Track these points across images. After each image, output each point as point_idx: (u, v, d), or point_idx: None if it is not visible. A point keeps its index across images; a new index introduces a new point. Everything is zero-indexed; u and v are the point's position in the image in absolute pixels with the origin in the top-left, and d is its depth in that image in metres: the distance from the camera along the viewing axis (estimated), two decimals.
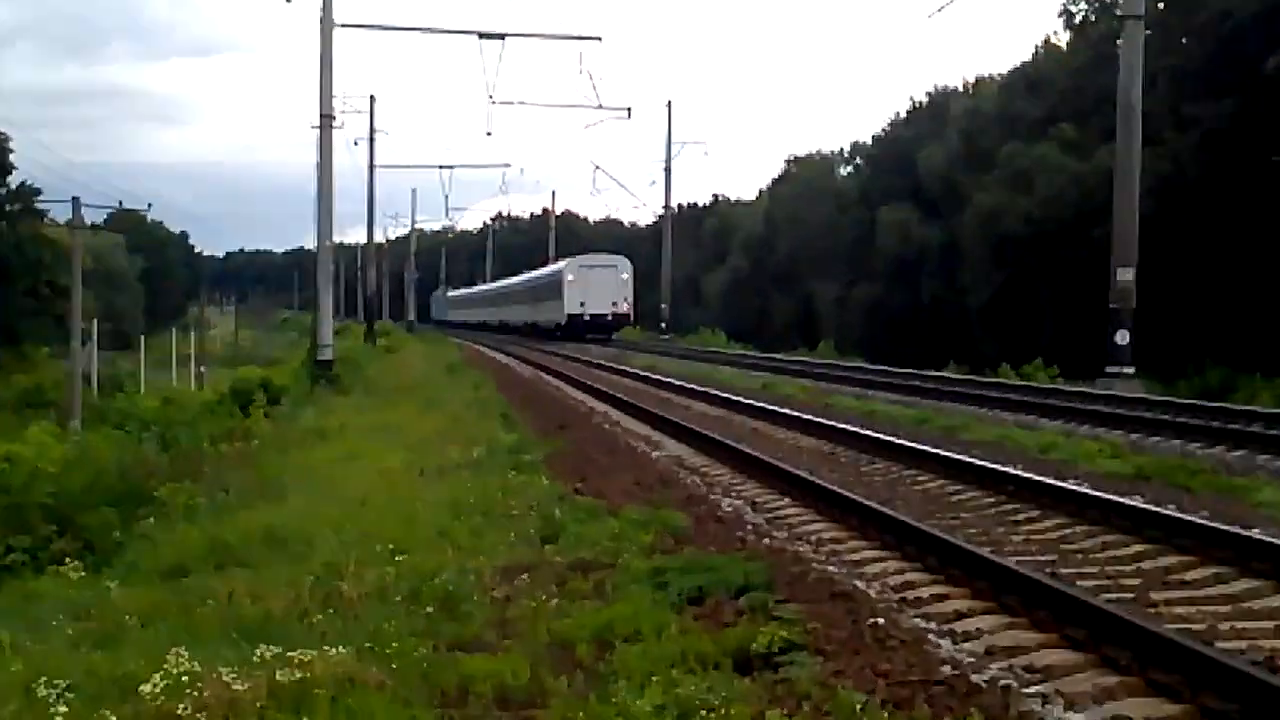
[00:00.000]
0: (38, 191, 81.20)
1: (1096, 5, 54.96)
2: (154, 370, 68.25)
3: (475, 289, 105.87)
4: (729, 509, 13.37)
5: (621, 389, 30.57)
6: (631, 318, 69.81)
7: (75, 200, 47.38)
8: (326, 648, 7.60)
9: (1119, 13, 31.18)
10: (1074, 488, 13.03)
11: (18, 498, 16.15)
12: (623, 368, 40.05)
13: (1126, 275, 29.28)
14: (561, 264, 72.26)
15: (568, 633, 8.29)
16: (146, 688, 6.96)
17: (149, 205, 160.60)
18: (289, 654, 7.43)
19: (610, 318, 66.80)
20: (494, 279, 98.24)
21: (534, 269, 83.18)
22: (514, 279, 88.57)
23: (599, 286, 66.90)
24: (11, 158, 79.55)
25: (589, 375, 36.77)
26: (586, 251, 78.85)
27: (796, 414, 22.11)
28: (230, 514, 15.22)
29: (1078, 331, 43.99)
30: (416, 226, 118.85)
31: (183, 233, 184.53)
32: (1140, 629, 7.42)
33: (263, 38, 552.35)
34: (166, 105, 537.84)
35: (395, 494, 14.92)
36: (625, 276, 68.57)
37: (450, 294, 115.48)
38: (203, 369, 62.72)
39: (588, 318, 66.19)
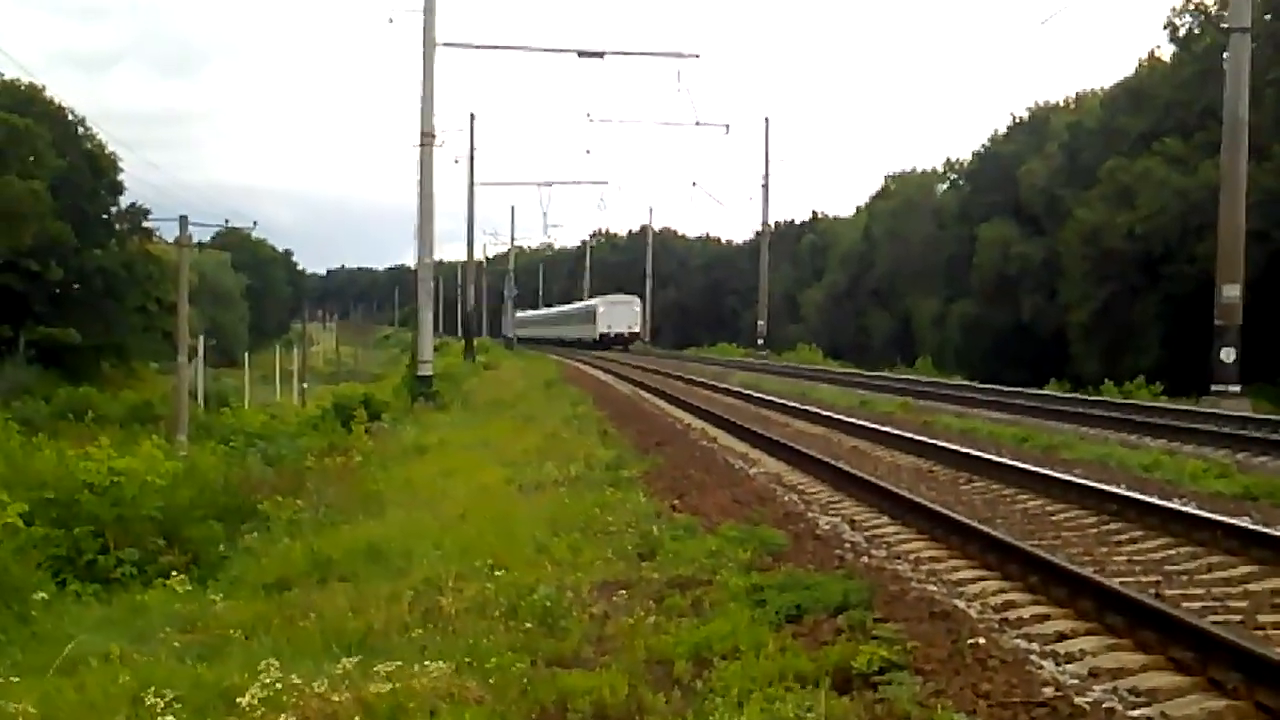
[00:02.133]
0: (147, 212, 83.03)
1: (1202, 19, 54.17)
2: (258, 386, 69.41)
3: (537, 312, 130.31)
4: (827, 527, 13.31)
5: (719, 406, 30.53)
6: (642, 336, 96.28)
7: (183, 219, 48.11)
8: (426, 662, 7.67)
9: (1225, 25, 30.64)
10: (1179, 507, 12.80)
11: (127, 510, 16.43)
12: (720, 385, 39.99)
13: (1232, 291, 28.80)
14: (595, 300, 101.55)
15: (665, 649, 8.29)
16: (244, 700, 7.07)
17: (254, 224, 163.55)
18: (386, 668, 7.51)
19: (626, 335, 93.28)
20: (593, 294, 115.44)
21: (587, 297, 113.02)
22: (563, 308, 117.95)
23: (619, 315, 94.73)
24: (121, 178, 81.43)
25: (687, 393, 36.76)
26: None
27: (895, 431, 21.95)
28: (332, 528, 15.40)
29: (1182, 349, 43.31)
30: (515, 244, 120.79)
31: (286, 250, 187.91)
32: (1248, 652, 7.27)
33: (363, 57, 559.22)
34: (265, 124, 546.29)
35: (494, 509, 14.97)
36: (636, 309, 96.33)
37: (518, 315, 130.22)
38: (304, 385, 63.68)
39: (612, 335, 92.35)
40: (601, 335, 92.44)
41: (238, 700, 7.10)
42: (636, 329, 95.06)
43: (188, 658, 9.23)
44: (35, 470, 18.24)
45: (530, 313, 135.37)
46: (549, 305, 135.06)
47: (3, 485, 16.61)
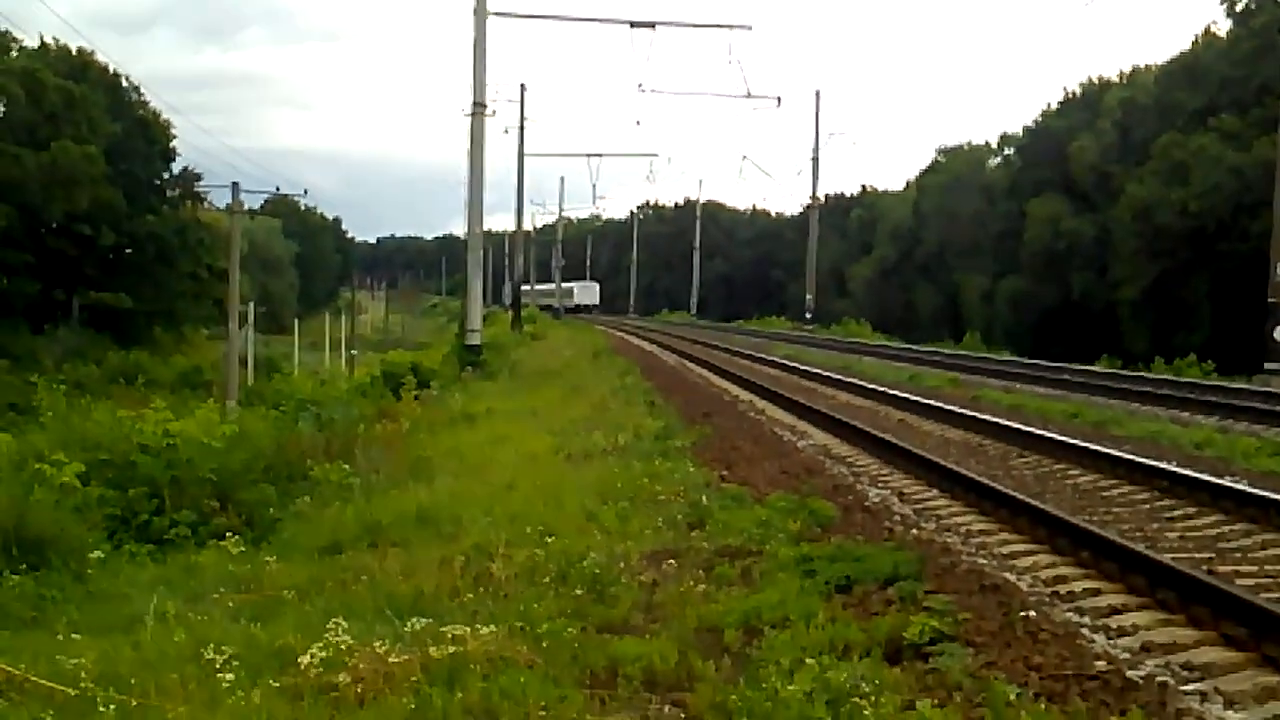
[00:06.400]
0: (199, 177, 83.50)
1: None
2: (307, 353, 69.77)
3: (534, 287, 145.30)
4: (876, 499, 13.31)
5: (765, 378, 30.50)
6: (599, 306, 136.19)
7: (235, 185, 48.42)
8: (478, 626, 7.72)
9: None
10: (1231, 484, 12.73)
11: (182, 472, 16.55)
12: (767, 357, 39.95)
13: None
14: (571, 283, 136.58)
15: (715, 618, 8.31)
16: (305, 659, 7.13)
17: (304, 191, 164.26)
18: (442, 630, 7.56)
19: (589, 305, 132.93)
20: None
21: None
22: (548, 285, 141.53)
23: (585, 293, 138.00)
24: (173, 144, 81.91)
25: (733, 364, 36.75)
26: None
27: (943, 406, 21.89)
28: (382, 493, 15.47)
29: (1234, 326, 42.92)
30: (563, 214, 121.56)
31: (335, 218, 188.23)
32: None
33: (412, 23, 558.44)
34: (311, 89, 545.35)
35: (542, 478, 15.03)
36: (595, 290, 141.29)
37: (523, 288, 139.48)
38: (354, 352, 63.97)
39: (580, 306, 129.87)
40: (576, 305, 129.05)
41: (298, 659, 7.17)
42: (596, 302, 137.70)
43: (242, 618, 9.33)
44: (90, 432, 18.37)
45: (530, 287, 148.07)
46: (573, 279, 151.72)
47: (59, 446, 16.80)
